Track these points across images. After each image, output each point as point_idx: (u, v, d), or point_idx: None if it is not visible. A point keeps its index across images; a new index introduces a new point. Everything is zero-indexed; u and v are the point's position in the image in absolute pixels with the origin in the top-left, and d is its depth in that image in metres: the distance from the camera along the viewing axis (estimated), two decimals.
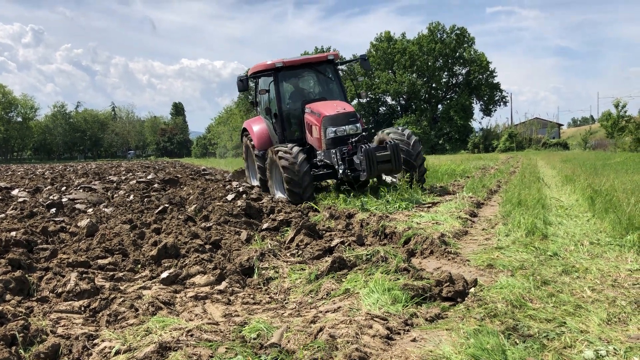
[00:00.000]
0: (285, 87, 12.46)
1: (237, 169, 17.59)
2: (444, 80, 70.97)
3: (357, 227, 6.60)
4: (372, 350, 3.22)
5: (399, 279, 4.52)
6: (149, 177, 17.85)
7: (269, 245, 5.91)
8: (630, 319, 3.71)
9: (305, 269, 5.14)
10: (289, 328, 3.66)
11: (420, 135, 62.82)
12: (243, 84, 12.29)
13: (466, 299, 4.19)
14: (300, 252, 5.83)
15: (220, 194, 10.26)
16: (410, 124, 63.76)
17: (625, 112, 42.78)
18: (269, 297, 4.63)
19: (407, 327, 3.64)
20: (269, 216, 7.67)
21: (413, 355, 3.17)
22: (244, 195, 9.62)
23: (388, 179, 11.43)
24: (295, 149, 10.19)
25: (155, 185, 13.70)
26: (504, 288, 4.28)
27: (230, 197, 9.45)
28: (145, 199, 10.55)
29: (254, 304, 4.48)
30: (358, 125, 10.68)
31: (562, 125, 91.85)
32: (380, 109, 74.80)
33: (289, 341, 3.43)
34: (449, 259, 5.74)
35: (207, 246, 5.93)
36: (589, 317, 3.72)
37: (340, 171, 10.03)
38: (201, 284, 4.86)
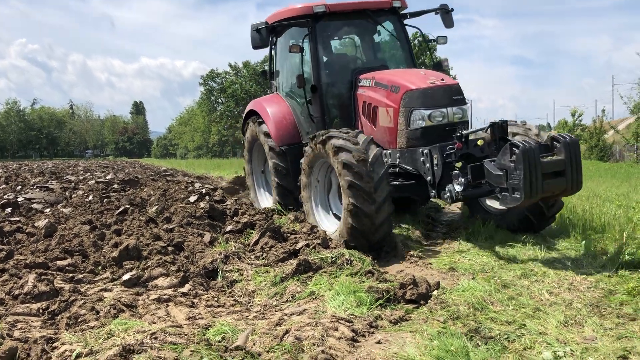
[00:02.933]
0: (327, 46, 8.29)
1: (233, 178, 12.85)
2: None
3: (321, 231, 6.61)
4: (338, 352, 3.24)
5: (363, 281, 4.56)
6: (108, 177, 17.48)
7: (233, 248, 5.87)
8: (586, 321, 3.84)
9: (270, 272, 5.13)
10: (254, 331, 3.65)
11: None
12: (261, 36, 8.09)
13: (429, 301, 4.26)
14: (265, 254, 5.81)
15: (182, 196, 10.06)
16: None
17: (581, 121, 44.23)
18: (234, 300, 4.60)
19: (371, 330, 3.68)
20: (233, 218, 7.60)
21: (378, 357, 3.21)
22: (207, 197, 9.45)
23: (493, 203, 7.07)
24: (362, 136, 6.15)
25: (115, 186, 13.41)
26: (466, 291, 4.37)
27: (192, 198, 9.32)
28: (105, 200, 10.31)
29: (218, 306, 4.45)
30: (465, 108, 6.70)
31: None
32: None
33: (254, 344, 3.43)
34: (411, 262, 5.83)
35: (170, 248, 5.85)
36: (547, 320, 3.84)
37: (449, 188, 5.88)
38: (164, 286, 4.79)
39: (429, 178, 6.27)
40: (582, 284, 4.76)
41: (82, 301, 4.25)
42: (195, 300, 4.53)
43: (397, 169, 6.76)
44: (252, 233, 6.98)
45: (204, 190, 9.77)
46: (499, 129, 6.05)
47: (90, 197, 10.81)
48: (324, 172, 6.86)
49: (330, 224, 6.70)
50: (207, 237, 6.37)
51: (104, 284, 4.95)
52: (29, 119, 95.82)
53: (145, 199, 10.99)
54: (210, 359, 3.15)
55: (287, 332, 3.45)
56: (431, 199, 7.11)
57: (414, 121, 6.52)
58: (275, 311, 4.22)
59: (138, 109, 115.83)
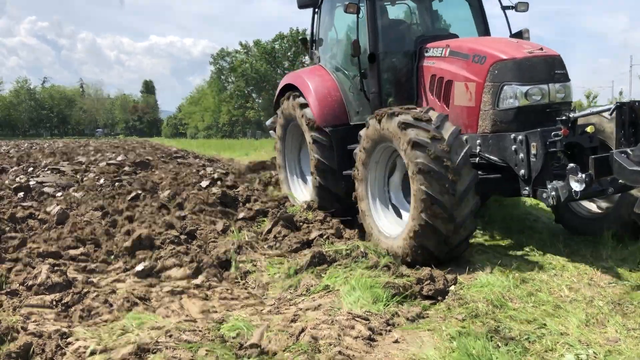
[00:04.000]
0: (384, 10, 7.14)
1: (249, 165, 11.07)
2: None
3: (335, 220, 6.55)
4: (355, 352, 3.19)
5: (379, 275, 4.49)
6: (119, 158, 17.48)
7: (246, 237, 5.83)
8: (608, 320, 3.76)
9: (283, 263, 5.08)
10: (269, 327, 3.60)
11: None
12: None
13: (447, 297, 4.19)
14: (278, 244, 5.76)
15: (194, 180, 10.03)
16: None
17: (596, 102, 43.66)
18: (247, 293, 4.56)
19: (388, 328, 3.62)
20: (245, 205, 7.55)
21: (396, 358, 3.15)
22: (219, 182, 9.40)
23: (590, 206, 5.98)
24: (434, 112, 5.15)
25: (126, 168, 13.40)
26: (484, 287, 4.29)
27: (204, 183, 9.28)
28: (117, 183, 10.31)
29: (232, 299, 4.41)
30: (569, 85, 5.47)
31: None
32: None
33: (269, 341, 3.38)
34: None
35: (183, 236, 5.81)
36: (567, 319, 3.75)
37: (554, 186, 4.72)
38: (177, 277, 4.76)
39: (522, 172, 5.00)
40: (602, 279, 4.66)
41: (95, 293, 4.23)
42: (209, 293, 4.49)
43: (477, 159, 5.40)
44: (264, 221, 6.93)
45: (215, 175, 9.71)
46: (629, 112, 4.76)
47: (102, 181, 10.81)
48: (385, 160, 5.67)
49: (390, 224, 5.53)
50: (219, 225, 6.32)
51: (117, 274, 4.92)
52: (40, 97, 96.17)
53: (157, 183, 10.97)
54: (225, 358, 3.10)
55: (303, 330, 3.39)
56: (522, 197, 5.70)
57: (505, 99, 5.25)
58: (290, 305, 4.17)
59: (148, 87, 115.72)
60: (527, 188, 5.02)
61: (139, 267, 4.81)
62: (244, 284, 4.79)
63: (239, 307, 4.22)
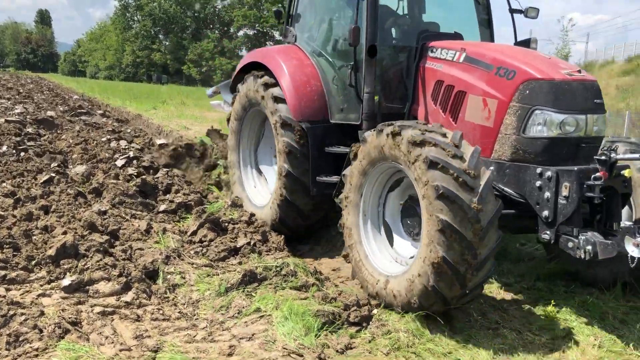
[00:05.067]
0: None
1: (174, 144, 9.44)
2: None
3: (260, 219, 6.67)
4: None
5: (309, 298, 4.73)
6: (18, 111, 16.38)
7: (172, 243, 5.84)
8: (516, 352, 4.23)
9: (213, 277, 5.17)
10: None
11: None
12: None
13: (371, 323, 4.50)
14: (204, 249, 5.82)
15: (106, 155, 9.66)
16: None
17: None
18: (178, 312, 4.62)
19: None
20: (166, 195, 7.48)
21: None
22: (135, 162, 9.15)
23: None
24: (467, 144, 4.28)
25: (29, 130, 12.59)
26: (405, 314, 4.62)
27: (119, 162, 8.97)
28: (22, 153, 9.73)
29: (164, 319, 4.46)
30: (605, 117, 4.88)
31: None
32: (267, 43, 73.58)
33: None
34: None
35: (105, 236, 5.71)
36: (478, 351, 4.18)
37: (586, 239, 4.08)
38: (106, 293, 4.73)
39: (545, 213, 4.36)
40: (505, 301, 5.18)
41: (23, 317, 4.12)
42: (140, 312, 4.51)
43: None
44: (187, 217, 6.95)
45: (131, 154, 9.41)
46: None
47: (5, 148, 10.15)
48: (383, 184, 4.98)
49: (384, 258, 4.90)
50: (142, 224, 6.26)
51: (41, 286, 4.80)
52: None
53: (66, 152, 10.53)
54: None
55: None
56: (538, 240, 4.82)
57: (534, 126, 4.54)
58: (223, 330, 4.31)
59: (43, 18, 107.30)
60: (548, 232, 4.38)
61: (66, 282, 4.72)
62: (173, 300, 4.84)
63: (172, 331, 4.28)
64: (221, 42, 71.22)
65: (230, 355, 3.88)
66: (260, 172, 7.26)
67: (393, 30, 6.27)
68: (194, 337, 4.19)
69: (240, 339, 4.15)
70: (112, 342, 4.01)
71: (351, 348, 4.13)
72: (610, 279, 5.17)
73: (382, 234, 5.04)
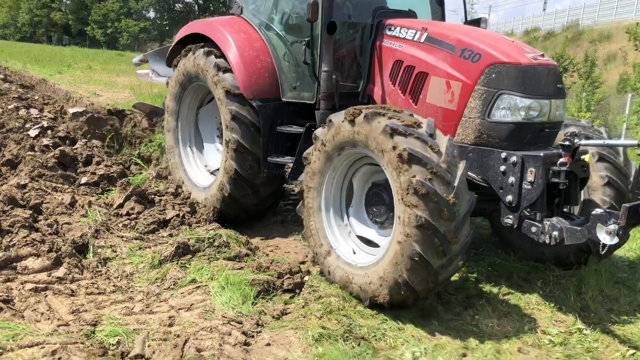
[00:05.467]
0: None
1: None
2: None
3: (186, 190, 6.69)
4: None
5: (242, 267, 4.91)
6: None
7: (99, 216, 5.78)
8: (432, 313, 4.63)
9: (145, 250, 5.21)
10: (149, 335, 3.83)
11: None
12: None
13: (303, 289, 4.76)
14: (133, 222, 5.81)
15: (16, 124, 9.17)
16: None
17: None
18: (113, 286, 4.66)
19: (258, 329, 4.07)
20: (87, 167, 7.30)
21: None
22: (50, 132, 8.76)
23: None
24: (427, 120, 4.21)
25: None
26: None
27: (33, 133, 8.56)
28: None
29: (99, 293, 4.49)
30: (565, 101, 4.92)
31: None
32: (177, 5, 71.07)
33: (154, 352, 3.64)
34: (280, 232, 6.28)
35: (28, 211, 5.57)
36: (401, 313, 4.53)
37: (550, 224, 4.17)
38: (36, 269, 4.67)
39: (508, 198, 4.38)
40: None
41: None
42: (74, 287, 4.51)
43: None
44: (111, 189, 6.86)
45: (44, 124, 9.01)
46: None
47: None
48: (346, 170, 4.86)
49: (347, 247, 4.84)
50: (66, 197, 6.13)
51: None
52: None
53: None
54: None
55: (186, 341, 3.70)
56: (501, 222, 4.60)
57: (499, 110, 4.51)
58: (160, 302, 4.40)
59: None
60: (510, 217, 4.42)
61: None
62: (106, 274, 4.85)
63: (109, 304, 4.33)
64: (127, 2, 67.90)
65: (170, 325, 4.00)
66: (201, 152, 6.97)
67: (346, 6, 5.94)
68: (131, 309, 4.26)
69: (179, 309, 4.26)
70: (49, 318, 4.01)
71: (286, 314, 4.36)
72: (537, 254, 5.58)
73: (345, 220, 4.97)
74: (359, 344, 3.95)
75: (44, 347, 3.50)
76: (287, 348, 3.87)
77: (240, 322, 4.06)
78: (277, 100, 5.88)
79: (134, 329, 3.92)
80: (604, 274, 5.32)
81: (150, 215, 5.92)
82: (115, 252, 5.18)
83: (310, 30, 5.34)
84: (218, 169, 6.36)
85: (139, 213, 5.99)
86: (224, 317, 4.09)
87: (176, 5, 70.49)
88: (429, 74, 4.88)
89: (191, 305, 4.32)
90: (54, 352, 3.43)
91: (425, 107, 4.91)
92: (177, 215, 5.92)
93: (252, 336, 3.96)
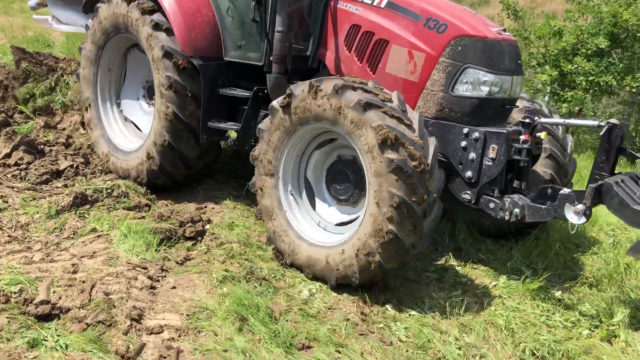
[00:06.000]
0: None
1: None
2: None
3: (78, 141, 6.52)
4: (144, 303, 3.77)
5: (144, 217, 5.00)
6: None
7: None
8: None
9: (40, 201, 5.12)
10: (54, 282, 3.88)
11: None
12: None
13: (205, 237, 4.95)
14: (23, 173, 5.64)
15: None
16: None
17: None
18: (8, 236, 4.57)
19: (163, 274, 4.24)
20: None
21: (180, 306, 3.84)
22: None
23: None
24: (395, 94, 4.13)
25: None
26: (234, 227, 5.14)
27: None
28: None
29: None
30: (522, 78, 5.09)
31: None
32: None
33: (60, 298, 3.71)
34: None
35: None
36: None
37: (511, 202, 4.24)
38: None
39: (468, 173, 4.37)
40: None
41: None
42: None
43: None
44: None
45: None
46: (619, 136, 4.20)
47: None
48: (306, 143, 4.62)
49: (308, 225, 4.64)
50: None
51: None
52: None
53: None
54: (25, 321, 3.37)
55: (93, 286, 3.80)
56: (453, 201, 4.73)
57: (464, 84, 4.45)
58: (61, 251, 4.41)
59: None
60: (468, 192, 4.41)
61: None
62: None
63: (5, 254, 4.27)
64: None
65: (74, 272, 4.05)
66: (122, 111, 6.31)
67: None
68: (31, 258, 4.25)
69: (82, 257, 4.31)
70: None
71: (189, 259, 4.55)
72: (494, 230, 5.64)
73: (304, 197, 4.76)
74: (260, 284, 4.26)
75: None
76: (193, 290, 4.09)
77: (145, 268, 4.21)
78: (219, 60, 5.41)
79: (36, 277, 3.93)
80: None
81: (42, 166, 5.77)
82: (7, 202, 5.06)
83: None
84: (138, 128, 6.12)
85: (29, 163, 5.82)
86: (128, 263, 4.21)
87: None
88: (390, 42, 4.65)
89: (94, 253, 4.38)
90: None
91: (384, 77, 4.70)
92: (71, 166, 5.83)
93: (158, 280, 4.13)
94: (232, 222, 5.25)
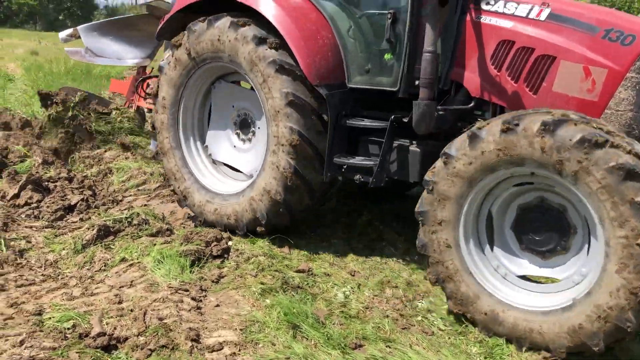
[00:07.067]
0: None
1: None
2: None
3: (79, 175, 6.57)
4: (197, 324, 3.93)
5: (171, 242, 5.12)
6: None
7: None
8: (347, 255, 5.26)
9: (63, 237, 5.20)
10: (104, 313, 3.99)
11: (38, 8, 56.65)
12: None
13: (231, 254, 5.12)
14: (36, 212, 5.69)
15: None
16: None
17: None
18: (41, 275, 4.65)
19: (204, 293, 4.40)
20: None
21: (230, 322, 4.01)
22: None
23: None
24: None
25: None
26: (254, 241, 5.31)
27: None
28: None
29: (30, 284, 4.47)
30: None
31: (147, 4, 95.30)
32: None
33: (115, 328, 3.83)
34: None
35: None
36: (319, 262, 5.11)
37: None
38: None
39: None
40: (329, 217, 6.20)
41: None
42: (1, 282, 4.43)
43: None
44: None
45: None
46: None
47: None
48: (485, 191, 3.98)
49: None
50: None
51: None
52: None
53: None
54: (94, 353, 3.49)
55: (145, 313, 3.93)
56: None
57: None
58: (98, 283, 4.52)
59: None
60: None
61: None
62: (28, 265, 4.80)
63: (45, 293, 4.35)
64: None
65: (120, 302, 4.17)
66: (210, 155, 5.78)
67: None
68: (71, 294, 4.33)
69: (121, 287, 4.43)
70: None
71: (223, 277, 4.71)
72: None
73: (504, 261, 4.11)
74: (297, 292, 4.46)
75: (7, 339, 3.55)
76: (236, 305, 4.26)
77: (186, 290, 4.36)
78: (343, 87, 4.90)
79: (84, 311, 4.04)
80: None
81: (53, 203, 5.83)
82: (30, 242, 5.12)
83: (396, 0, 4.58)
84: (237, 170, 5.64)
85: (39, 201, 5.88)
86: (169, 287, 4.35)
87: None
88: (558, 57, 4.21)
89: (132, 281, 4.50)
90: (22, 342, 3.51)
91: (550, 97, 4.26)
92: (82, 200, 5.90)
93: (201, 300, 4.29)
94: (252, 236, 5.43)
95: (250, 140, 5.49)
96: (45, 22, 56.56)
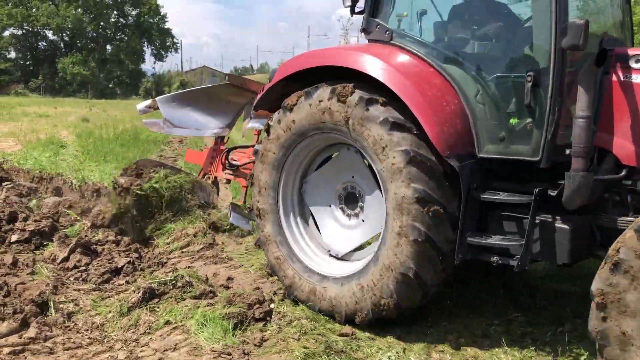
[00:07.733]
0: None
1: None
2: (112, 19, 68.37)
3: (127, 237, 6.74)
4: None
5: (213, 305, 5.14)
6: None
7: (46, 272, 5.75)
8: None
9: (109, 300, 5.29)
10: None
11: (90, 78, 59.72)
12: None
13: (273, 316, 5.09)
14: (84, 274, 5.83)
15: None
16: (76, 64, 59.80)
17: None
18: (88, 338, 4.71)
19: (246, 357, 4.37)
20: (14, 224, 7.08)
21: None
22: None
23: None
24: None
25: None
26: (295, 304, 5.28)
27: None
28: None
29: (77, 347, 4.53)
30: None
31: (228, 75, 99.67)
32: (40, 44, 67.70)
33: None
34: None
35: None
36: (366, 327, 5.02)
37: None
38: (4, 332, 4.61)
39: None
40: None
41: None
42: (50, 345, 4.52)
43: None
44: (46, 243, 6.77)
45: None
46: None
47: None
48: None
49: None
50: (8, 258, 6.00)
51: None
52: None
53: None
54: None
55: None
56: None
57: None
58: (142, 347, 4.55)
59: None
60: None
61: None
62: (75, 328, 4.88)
63: (91, 356, 4.40)
64: None
65: None
66: (307, 223, 5.41)
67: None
68: (116, 357, 4.38)
69: (165, 351, 4.44)
70: None
71: (266, 340, 4.67)
72: None
73: None
74: (340, 357, 4.38)
75: None
76: None
77: (229, 354, 4.34)
78: (474, 157, 4.37)
79: None
80: None
81: (101, 265, 5.97)
82: (78, 305, 5.22)
83: (536, 61, 4.14)
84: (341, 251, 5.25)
85: (87, 264, 6.02)
86: (213, 350, 4.34)
87: (39, 44, 67.04)
88: None
89: (175, 345, 4.51)
90: None
91: None
92: (129, 262, 6.02)
93: None
94: (294, 299, 5.40)
95: (357, 215, 5.09)
96: (96, 90, 59.57)
